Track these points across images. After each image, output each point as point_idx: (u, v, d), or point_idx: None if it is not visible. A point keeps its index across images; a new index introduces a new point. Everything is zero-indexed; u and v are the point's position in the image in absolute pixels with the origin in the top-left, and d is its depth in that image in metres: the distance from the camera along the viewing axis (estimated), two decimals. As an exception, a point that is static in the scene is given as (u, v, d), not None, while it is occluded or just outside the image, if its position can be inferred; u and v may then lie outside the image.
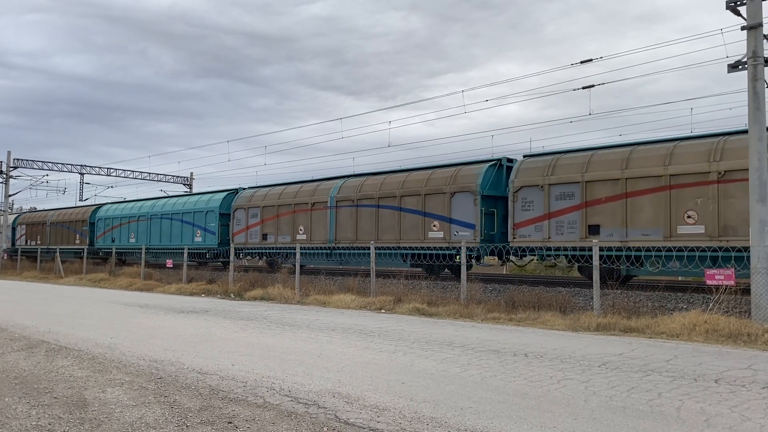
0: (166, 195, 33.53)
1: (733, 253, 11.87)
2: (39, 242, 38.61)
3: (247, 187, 26.84)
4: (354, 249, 19.91)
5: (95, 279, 24.52)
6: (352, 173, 22.48)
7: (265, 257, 24.73)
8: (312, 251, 21.36)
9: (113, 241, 32.52)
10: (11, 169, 39.18)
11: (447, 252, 17.39)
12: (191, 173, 46.11)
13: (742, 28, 10.59)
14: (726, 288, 10.36)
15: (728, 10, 10.77)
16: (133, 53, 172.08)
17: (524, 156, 17.24)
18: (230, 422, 4.60)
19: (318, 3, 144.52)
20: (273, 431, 4.41)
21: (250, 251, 24.36)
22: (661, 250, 13.36)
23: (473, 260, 17.41)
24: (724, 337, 8.73)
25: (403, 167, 20.89)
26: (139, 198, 34.97)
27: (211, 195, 27.72)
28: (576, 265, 16.07)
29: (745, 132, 12.60)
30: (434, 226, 17.87)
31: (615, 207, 14.34)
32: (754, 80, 10.36)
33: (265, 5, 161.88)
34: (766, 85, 10.44)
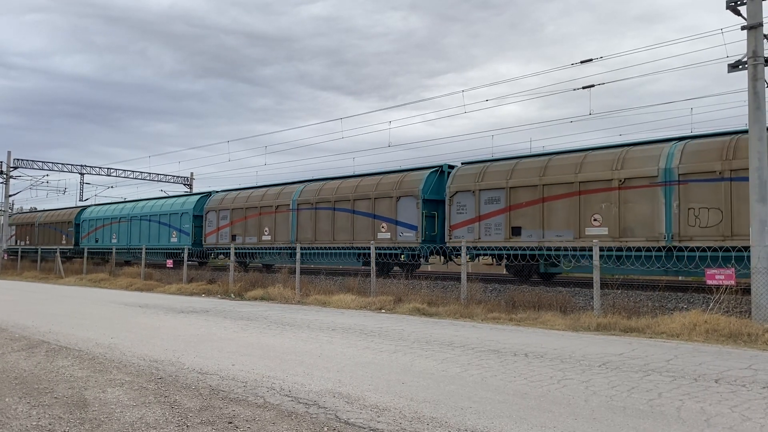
0: (146, 198, 34.97)
1: (633, 252, 13.53)
2: (28, 242, 39.50)
3: (219, 190, 28.49)
4: (313, 249, 21.14)
5: (95, 279, 24.52)
6: (312, 178, 23.91)
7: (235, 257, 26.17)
8: (276, 251, 23.00)
9: (96, 241, 33.85)
10: (11, 169, 39.17)
11: (393, 252, 18.78)
12: (191, 173, 46.14)
13: (743, 28, 10.58)
14: (726, 288, 10.37)
15: (728, 10, 10.77)
16: (133, 53, 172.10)
17: (462, 163, 18.54)
18: (230, 422, 4.60)
19: (318, 3, 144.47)
20: (273, 431, 4.41)
21: (221, 251, 25.79)
22: (573, 250, 14.85)
23: (422, 259, 19.13)
24: (724, 337, 8.73)
25: (357, 173, 22.36)
26: (126, 200, 36.21)
27: (186, 198, 29.47)
28: (504, 262, 17.45)
29: (643, 143, 14.83)
30: (382, 227, 19.30)
31: (534, 210, 15.75)
32: (755, 80, 10.36)
33: (265, 5, 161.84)
34: (766, 85, 10.44)
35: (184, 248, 23.61)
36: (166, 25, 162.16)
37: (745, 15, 10.56)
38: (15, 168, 39.38)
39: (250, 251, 24.17)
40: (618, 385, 5.77)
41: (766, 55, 10.44)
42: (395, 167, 21.34)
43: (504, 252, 16.38)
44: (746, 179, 11.20)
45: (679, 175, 13.38)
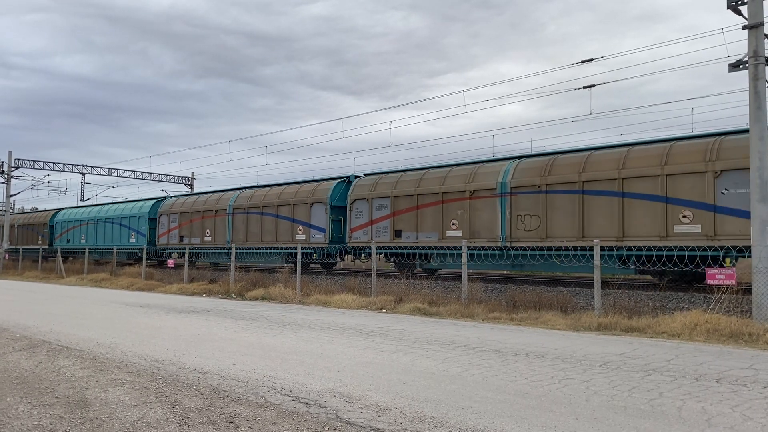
0: (112, 201, 37.69)
1: (482, 252, 16.83)
2: (9, 243, 40.81)
3: (172, 195, 31.83)
4: (245, 249, 23.48)
5: (96, 279, 24.53)
6: (248, 185, 27.07)
7: (183, 256, 28.15)
8: (216, 251, 25.84)
9: (68, 242, 36.07)
10: (12, 169, 39.20)
11: (307, 251, 20.97)
12: (192, 173, 46.15)
13: (743, 28, 10.58)
14: (727, 288, 10.37)
15: (729, 10, 10.76)
16: (133, 53, 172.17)
17: (364, 174, 21.65)
18: (231, 422, 4.60)
19: (318, 3, 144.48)
20: (274, 431, 4.41)
21: (171, 250, 28.54)
22: (439, 249, 17.84)
23: (337, 258, 22.20)
24: (725, 337, 8.72)
25: (282, 182, 24.64)
26: (95, 203, 38.86)
27: (143, 202, 31.91)
28: (392, 260, 20.18)
29: (490, 161, 17.89)
30: (299, 230, 22.07)
31: (411, 216, 18.72)
32: (755, 80, 10.35)
33: (265, 5, 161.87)
34: (766, 85, 10.43)
35: (142, 248, 26.05)
36: (167, 25, 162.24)
37: (745, 14, 10.55)
38: (16, 168, 39.40)
39: (195, 251, 26.54)
40: (619, 384, 5.77)
41: (766, 55, 10.43)
42: (310, 178, 24.00)
43: (390, 251, 19.39)
44: (558, 192, 15.36)
45: (511, 188, 16.39)
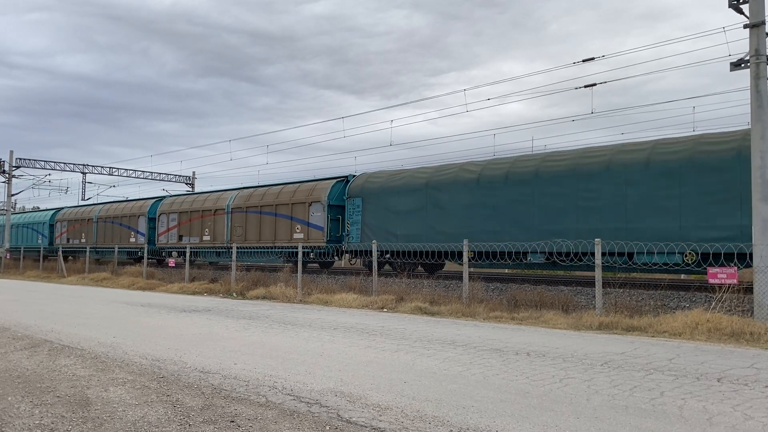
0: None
1: (215, 250, 24.96)
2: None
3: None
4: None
5: (97, 278, 24.55)
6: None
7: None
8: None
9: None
10: (14, 168, 39.23)
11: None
12: (193, 172, 46.17)
13: (745, 26, 10.56)
14: (728, 287, 10.36)
15: (730, 8, 10.74)
16: (135, 52, 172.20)
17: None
18: (233, 421, 4.60)
19: (320, 1, 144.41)
20: (275, 430, 4.41)
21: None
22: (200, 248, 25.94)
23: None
24: (726, 336, 8.71)
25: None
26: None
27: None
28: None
29: (223, 191, 26.19)
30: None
31: (196, 224, 26.40)
32: (757, 78, 10.33)
33: (267, 4, 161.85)
34: (768, 84, 10.41)
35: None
36: (168, 24, 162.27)
37: (747, 13, 10.54)
38: (17, 167, 39.42)
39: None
40: (620, 384, 5.77)
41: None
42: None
43: (178, 249, 26.36)
44: (252, 212, 24.23)
45: (232, 208, 25.02)
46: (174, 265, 24.33)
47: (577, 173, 15.02)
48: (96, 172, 42.26)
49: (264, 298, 16.21)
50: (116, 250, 28.98)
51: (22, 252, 34.95)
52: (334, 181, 21.85)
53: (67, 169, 41.41)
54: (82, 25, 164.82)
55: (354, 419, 4.65)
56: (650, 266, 13.05)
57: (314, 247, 21.33)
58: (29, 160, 39.97)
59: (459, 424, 4.49)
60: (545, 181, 15.51)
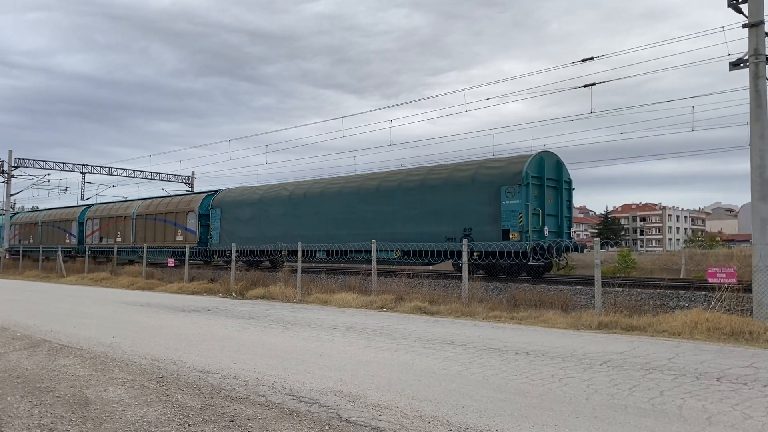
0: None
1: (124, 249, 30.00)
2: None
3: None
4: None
5: (97, 278, 24.54)
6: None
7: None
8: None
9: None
10: (13, 168, 39.20)
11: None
12: (192, 172, 46.18)
13: (744, 26, 10.57)
14: (728, 286, 10.37)
15: (729, 8, 10.75)
16: (135, 52, 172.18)
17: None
18: (232, 421, 4.60)
19: (321, 1, 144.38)
20: (275, 430, 4.41)
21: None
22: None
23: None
24: (725, 335, 8.72)
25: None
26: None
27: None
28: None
29: (144, 200, 31.49)
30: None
31: (116, 227, 32.30)
32: (756, 78, 10.34)
33: (267, 3, 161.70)
34: (767, 83, 10.42)
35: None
36: (168, 23, 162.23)
37: (746, 13, 10.54)
38: (16, 167, 39.40)
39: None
40: (619, 383, 5.77)
41: (767, 53, 10.42)
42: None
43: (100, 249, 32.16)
44: (155, 219, 29.35)
45: (136, 215, 30.08)
46: (173, 265, 24.33)
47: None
48: (95, 172, 42.28)
49: (263, 297, 16.20)
50: (115, 249, 29.49)
51: (40, 252, 32.79)
52: (205, 194, 28.00)
53: (67, 168, 41.44)
54: (82, 25, 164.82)
55: (353, 419, 4.65)
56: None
57: (191, 247, 25.16)
58: (28, 159, 39.98)
59: (458, 424, 4.49)
60: (323, 199, 21.96)
